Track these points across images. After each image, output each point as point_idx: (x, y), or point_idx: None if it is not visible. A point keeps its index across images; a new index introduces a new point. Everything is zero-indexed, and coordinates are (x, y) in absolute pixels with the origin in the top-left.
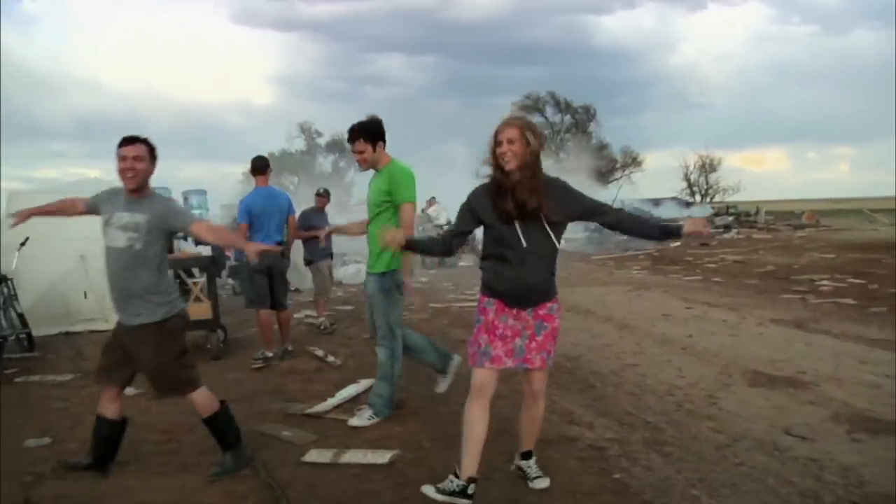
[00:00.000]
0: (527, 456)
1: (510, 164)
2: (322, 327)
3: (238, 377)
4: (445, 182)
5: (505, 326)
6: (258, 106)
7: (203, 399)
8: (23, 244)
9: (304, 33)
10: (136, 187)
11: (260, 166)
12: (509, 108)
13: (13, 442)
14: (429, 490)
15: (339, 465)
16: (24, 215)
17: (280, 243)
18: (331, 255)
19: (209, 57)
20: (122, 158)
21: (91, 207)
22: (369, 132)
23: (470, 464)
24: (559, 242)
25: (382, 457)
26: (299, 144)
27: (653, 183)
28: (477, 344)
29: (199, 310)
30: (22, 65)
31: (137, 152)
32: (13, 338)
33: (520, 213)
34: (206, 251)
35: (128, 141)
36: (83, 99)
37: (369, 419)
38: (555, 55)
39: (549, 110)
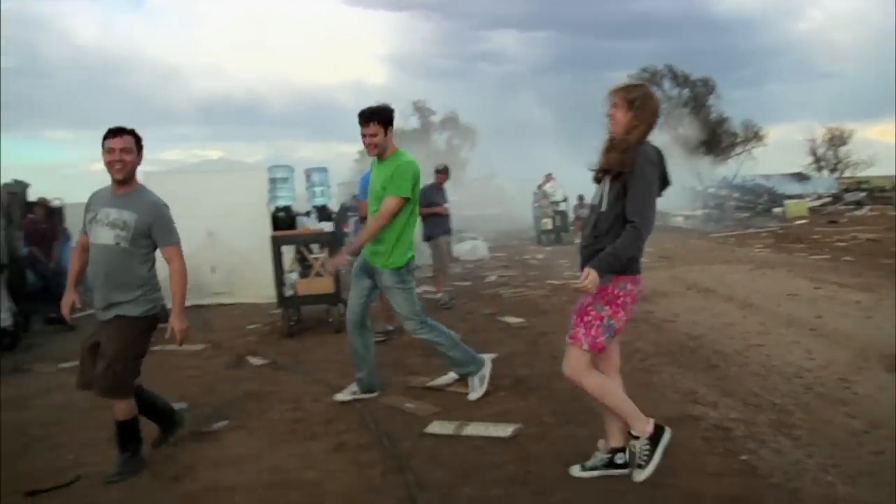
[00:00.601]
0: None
1: (610, 128)
2: (441, 302)
3: None
4: (561, 158)
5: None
6: (371, 85)
7: (129, 406)
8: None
9: (415, 12)
10: (124, 178)
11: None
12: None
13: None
14: (575, 470)
15: (461, 437)
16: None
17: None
18: (449, 232)
19: (323, 39)
20: (109, 150)
21: (83, 229)
22: (382, 116)
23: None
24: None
25: (504, 430)
26: (413, 123)
27: (775, 158)
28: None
29: (321, 285)
30: (150, 54)
31: (125, 144)
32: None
33: (600, 173)
34: (327, 227)
35: (115, 132)
36: (206, 84)
37: (480, 385)
38: (671, 27)
39: (666, 84)
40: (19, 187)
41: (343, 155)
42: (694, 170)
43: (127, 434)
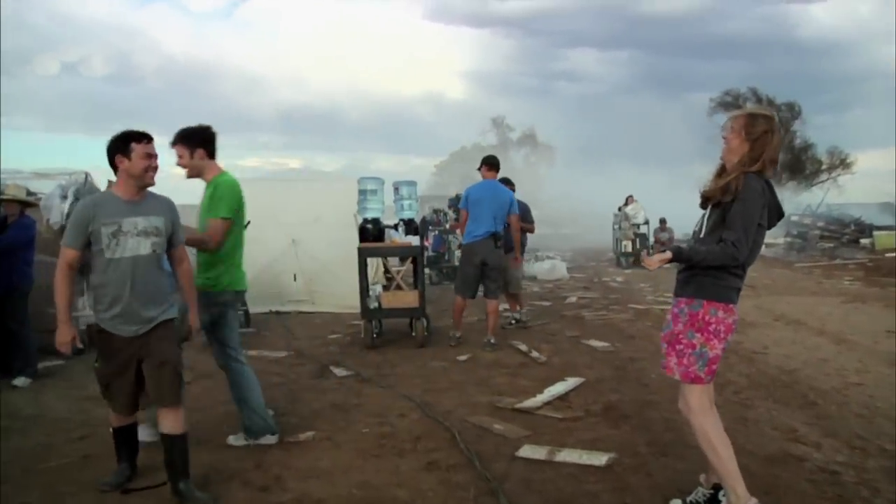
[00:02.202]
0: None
1: (724, 154)
2: (517, 321)
3: (444, 366)
4: (643, 180)
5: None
6: (450, 100)
7: (183, 415)
8: (245, 227)
9: (496, 29)
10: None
11: (488, 161)
12: (707, 105)
13: None
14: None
15: (553, 463)
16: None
17: (494, 235)
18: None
19: (404, 53)
20: (146, 156)
21: (79, 244)
22: (188, 138)
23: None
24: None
25: (599, 459)
26: (491, 139)
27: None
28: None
29: (405, 298)
30: (236, 64)
31: (155, 150)
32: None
33: (704, 200)
34: (414, 241)
35: (149, 137)
36: (288, 94)
37: (245, 440)
38: (755, 49)
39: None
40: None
41: (420, 168)
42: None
43: (184, 453)
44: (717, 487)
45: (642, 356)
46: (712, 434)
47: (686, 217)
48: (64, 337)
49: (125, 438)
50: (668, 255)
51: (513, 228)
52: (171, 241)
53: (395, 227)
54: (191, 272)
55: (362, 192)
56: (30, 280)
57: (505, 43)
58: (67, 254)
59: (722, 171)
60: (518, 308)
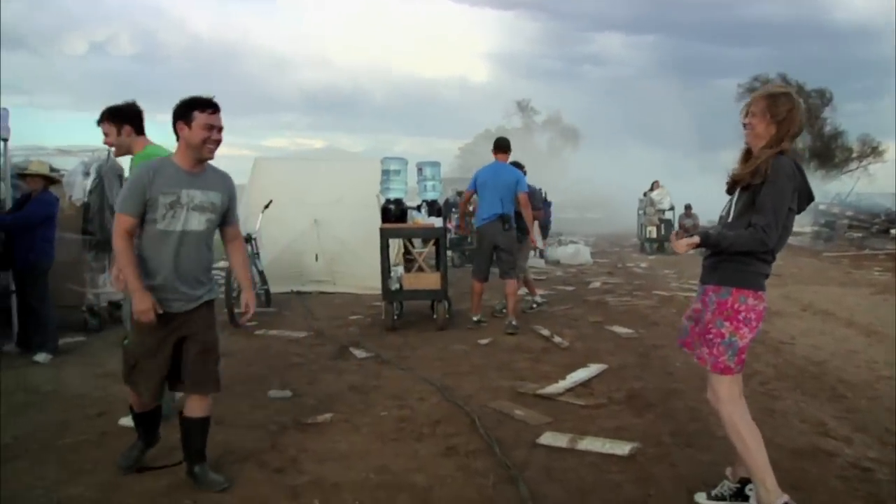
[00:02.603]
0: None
1: (747, 139)
2: (537, 305)
3: (465, 350)
4: (669, 165)
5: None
6: (474, 83)
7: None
8: (266, 206)
9: (521, 11)
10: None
11: (497, 144)
12: (735, 91)
13: (259, 391)
14: (701, 498)
15: (575, 451)
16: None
17: (502, 217)
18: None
19: (429, 34)
20: (207, 127)
21: (137, 210)
22: (115, 115)
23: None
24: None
25: (622, 448)
26: (516, 122)
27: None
28: None
29: (427, 280)
30: (260, 44)
31: (220, 122)
32: (254, 293)
33: (731, 184)
34: (437, 222)
35: (215, 106)
36: (312, 74)
37: None
38: (784, 33)
39: None
40: None
41: (443, 150)
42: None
43: (204, 434)
44: (743, 481)
45: (666, 343)
46: (741, 425)
47: (712, 203)
48: (144, 304)
49: (147, 421)
50: (696, 239)
51: (521, 206)
52: (226, 218)
53: (418, 208)
54: (244, 250)
55: (385, 173)
56: (49, 257)
57: (530, 25)
58: (124, 221)
59: (748, 155)
60: (533, 292)
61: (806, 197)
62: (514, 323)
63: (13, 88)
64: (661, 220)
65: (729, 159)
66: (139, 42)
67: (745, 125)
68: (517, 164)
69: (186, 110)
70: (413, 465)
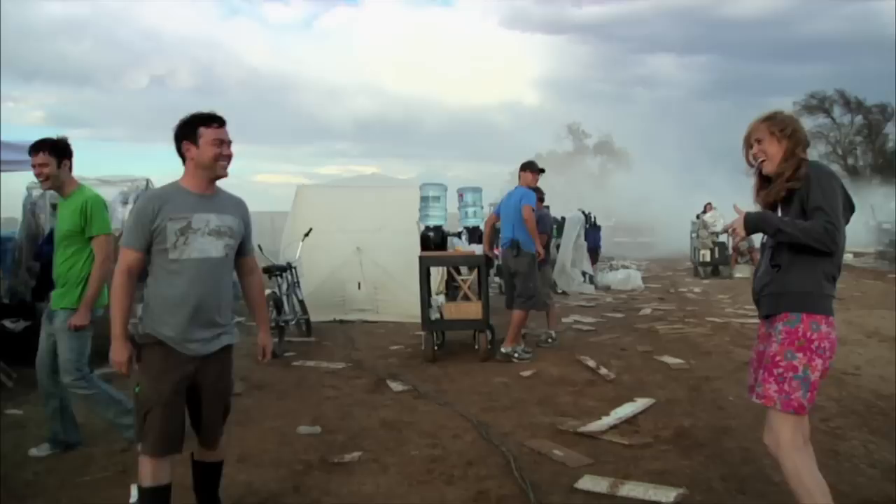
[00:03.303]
0: None
1: (766, 167)
2: (549, 340)
3: (506, 382)
4: (722, 187)
5: (754, 349)
6: (525, 108)
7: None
8: (307, 234)
9: (572, 35)
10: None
11: (523, 166)
12: (790, 109)
13: (288, 426)
14: None
15: (615, 498)
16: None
17: (513, 241)
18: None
19: (480, 61)
20: (217, 142)
21: (142, 243)
22: (57, 148)
23: None
24: (828, 214)
25: (667, 495)
26: (567, 146)
27: None
28: None
29: (469, 310)
30: (314, 74)
31: (228, 136)
32: (294, 322)
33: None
34: (478, 249)
35: (221, 121)
36: (365, 102)
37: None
38: (842, 49)
39: (836, 110)
40: None
41: (494, 175)
42: (867, 203)
43: (217, 480)
44: None
45: (719, 375)
46: (807, 476)
47: None
48: (119, 355)
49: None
50: (752, 223)
51: (525, 220)
52: (242, 248)
53: (459, 234)
54: (262, 285)
55: (424, 199)
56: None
57: (581, 49)
58: (128, 256)
59: (765, 181)
60: (550, 324)
61: (849, 206)
62: (503, 350)
63: (79, 122)
64: (715, 244)
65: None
66: (197, 75)
67: (753, 158)
68: (537, 190)
69: (190, 129)
70: None
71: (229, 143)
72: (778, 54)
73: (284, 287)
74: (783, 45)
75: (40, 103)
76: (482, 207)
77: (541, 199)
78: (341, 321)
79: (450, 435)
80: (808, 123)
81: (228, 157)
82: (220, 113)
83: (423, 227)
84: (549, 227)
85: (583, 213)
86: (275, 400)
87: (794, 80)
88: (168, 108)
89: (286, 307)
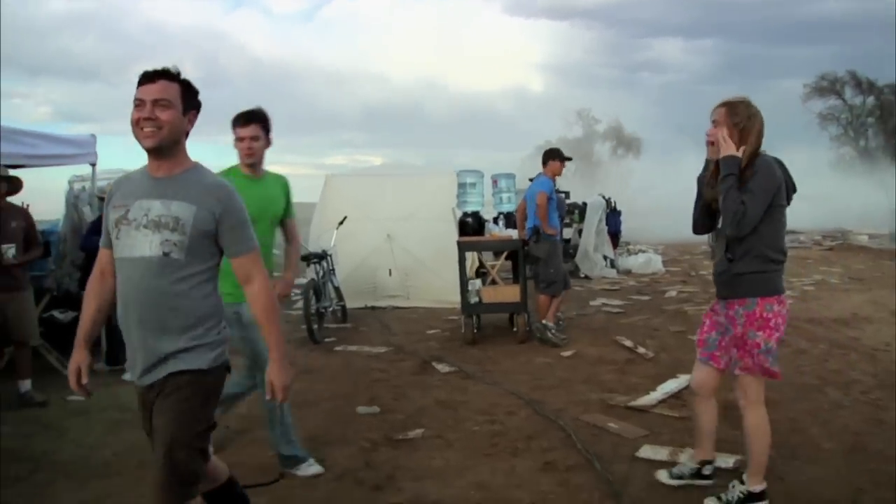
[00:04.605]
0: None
1: (710, 153)
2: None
3: (548, 363)
4: None
5: (707, 314)
6: (531, 94)
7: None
8: (341, 223)
9: (576, 21)
10: (158, 145)
11: (550, 154)
12: (801, 91)
13: (346, 407)
14: (662, 476)
15: (676, 464)
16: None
17: (534, 229)
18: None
19: (483, 48)
20: (137, 105)
21: (106, 239)
22: (267, 121)
23: (698, 450)
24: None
25: (726, 461)
26: (577, 132)
27: None
28: None
29: (507, 293)
30: (319, 63)
31: (164, 93)
32: (331, 309)
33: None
34: (514, 234)
35: (151, 77)
36: (370, 91)
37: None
38: (850, 30)
39: (847, 92)
40: None
41: (501, 162)
42: (880, 184)
43: None
44: (702, 463)
45: None
46: (764, 427)
47: None
48: (71, 364)
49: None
50: (732, 151)
51: (537, 206)
52: (226, 247)
53: (495, 220)
54: (266, 299)
55: (462, 186)
56: None
57: (586, 34)
58: (101, 255)
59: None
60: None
61: (792, 188)
62: (542, 322)
63: (85, 117)
64: None
65: (794, 161)
66: (202, 67)
67: (709, 136)
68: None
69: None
70: (513, 482)
71: (158, 102)
72: (785, 36)
73: (321, 274)
74: (790, 26)
75: (47, 99)
76: (515, 193)
77: None
78: (373, 307)
79: (504, 412)
80: (819, 105)
81: (150, 120)
82: (225, 104)
83: (460, 214)
84: (565, 213)
85: (603, 197)
86: (326, 383)
87: (802, 62)
88: None
89: (324, 294)
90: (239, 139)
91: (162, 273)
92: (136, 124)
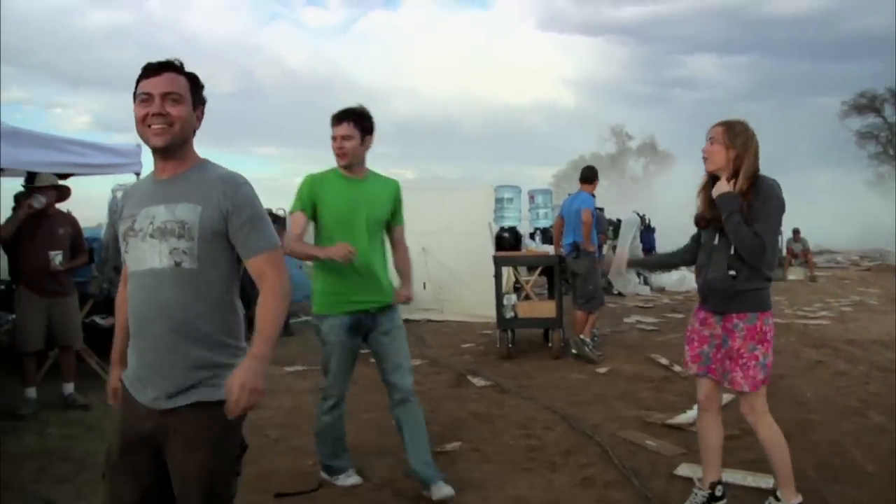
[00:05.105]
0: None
1: (706, 165)
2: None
3: (584, 379)
4: None
5: (692, 330)
6: (564, 109)
7: None
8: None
9: (610, 37)
10: (169, 143)
11: (581, 174)
12: (838, 108)
13: (384, 418)
14: None
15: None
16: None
17: (574, 244)
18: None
19: (516, 63)
20: (144, 99)
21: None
22: (361, 119)
23: (708, 470)
24: (762, 236)
25: (766, 481)
26: (610, 148)
27: None
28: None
29: (542, 308)
30: (353, 77)
31: (173, 86)
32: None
33: (709, 215)
34: (550, 249)
35: (157, 69)
36: (404, 105)
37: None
38: (891, 46)
39: (887, 109)
40: None
41: (532, 178)
42: None
43: None
44: (713, 485)
45: (791, 373)
46: (778, 433)
47: (816, 227)
48: (110, 385)
49: None
50: (725, 188)
51: (582, 223)
52: (242, 249)
53: (532, 235)
54: (274, 304)
55: (499, 201)
56: None
57: (619, 50)
58: (124, 267)
59: (712, 178)
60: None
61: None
62: (579, 337)
63: (124, 127)
64: None
65: (831, 179)
66: (238, 80)
67: (703, 152)
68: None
69: (136, 87)
70: (551, 496)
71: (168, 95)
72: (823, 52)
73: None
74: (828, 42)
75: (87, 109)
76: (552, 209)
77: None
78: (407, 320)
79: (541, 427)
80: (857, 123)
81: (159, 115)
82: (260, 117)
83: (497, 228)
84: (605, 229)
85: (637, 214)
86: (362, 393)
87: (840, 79)
88: (210, 112)
89: None
90: (332, 138)
91: (177, 286)
92: (143, 121)
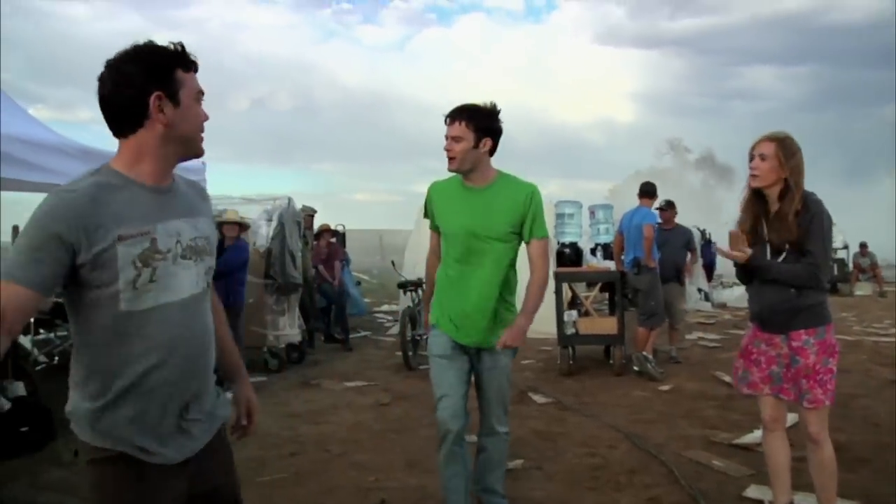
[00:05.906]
0: None
1: (754, 182)
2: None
3: (646, 396)
4: (833, 201)
5: (758, 352)
6: (621, 123)
7: None
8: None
9: (667, 49)
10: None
11: (640, 189)
12: None
13: None
14: None
15: None
16: None
17: (635, 260)
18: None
19: (573, 77)
20: (200, 97)
21: (40, 278)
22: (480, 118)
23: (779, 492)
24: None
25: None
26: (667, 161)
27: None
28: (735, 368)
29: (604, 325)
30: (407, 93)
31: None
32: (425, 337)
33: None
34: (611, 265)
35: (195, 65)
36: None
37: None
38: None
39: None
40: (311, 212)
41: (589, 192)
42: None
43: None
44: None
45: (864, 393)
46: (833, 457)
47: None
48: None
49: None
50: (746, 255)
51: (644, 238)
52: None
53: (593, 251)
54: (228, 334)
55: (560, 216)
56: (242, 298)
57: (676, 63)
58: (16, 296)
59: (755, 194)
60: (672, 342)
61: None
62: (636, 356)
63: None
64: (834, 260)
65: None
66: (296, 97)
67: (751, 169)
68: (669, 203)
69: (162, 72)
70: None
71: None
72: (885, 61)
73: (416, 302)
74: (889, 50)
75: None
76: (612, 224)
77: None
78: None
79: (605, 445)
80: None
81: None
82: (317, 133)
83: (557, 244)
84: (694, 244)
85: (697, 229)
86: (423, 410)
87: None
88: (267, 128)
89: (419, 321)
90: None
91: (208, 311)
92: (203, 127)
